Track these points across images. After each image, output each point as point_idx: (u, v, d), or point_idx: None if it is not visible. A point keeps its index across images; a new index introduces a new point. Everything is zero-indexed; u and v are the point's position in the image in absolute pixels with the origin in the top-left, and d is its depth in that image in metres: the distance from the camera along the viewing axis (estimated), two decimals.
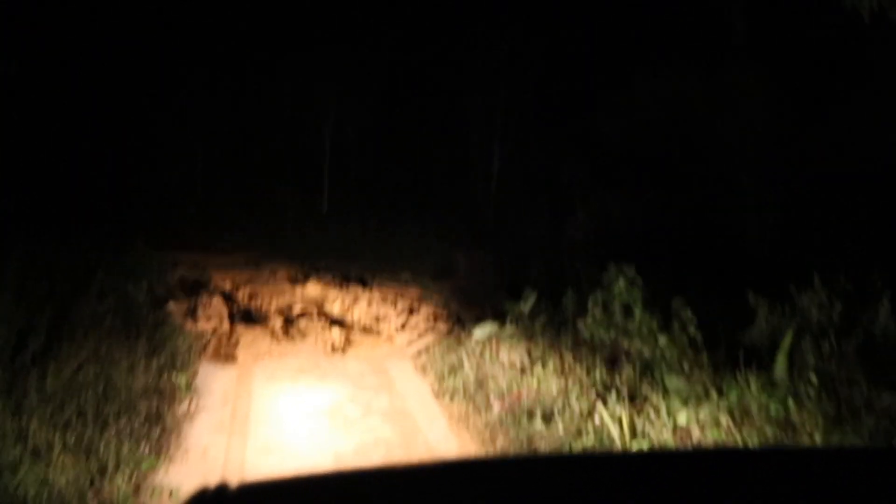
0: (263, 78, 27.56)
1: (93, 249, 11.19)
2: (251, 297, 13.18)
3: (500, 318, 9.71)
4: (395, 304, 12.55)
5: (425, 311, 12.03)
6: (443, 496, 1.38)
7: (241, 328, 10.25)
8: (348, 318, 11.87)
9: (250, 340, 9.89)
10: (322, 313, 11.91)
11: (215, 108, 27.18)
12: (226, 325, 10.23)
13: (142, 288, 9.90)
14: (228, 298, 12.91)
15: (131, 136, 24.87)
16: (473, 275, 15.61)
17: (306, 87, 26.63)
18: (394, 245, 19.42)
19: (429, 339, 10.26)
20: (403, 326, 11.00)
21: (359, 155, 27.57)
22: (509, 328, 9.31)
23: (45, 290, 8.04)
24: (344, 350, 9.83)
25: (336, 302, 12.78)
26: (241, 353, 9.52)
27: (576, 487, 1.39)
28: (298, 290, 14.19)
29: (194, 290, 13.46)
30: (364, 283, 14.05)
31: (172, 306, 10.94)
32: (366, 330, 10.83)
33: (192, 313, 10.75)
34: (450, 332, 10.51)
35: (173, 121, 25.95)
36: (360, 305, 12.17)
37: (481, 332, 9.22)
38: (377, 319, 11.29)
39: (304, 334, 10.12)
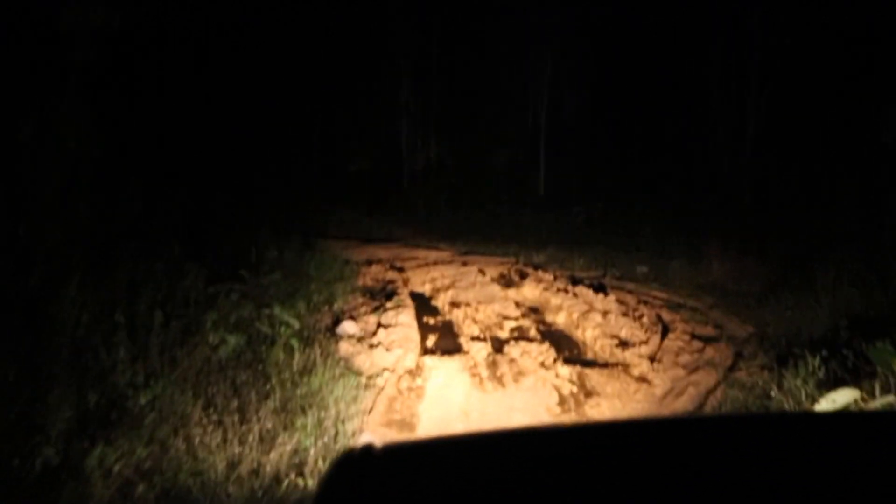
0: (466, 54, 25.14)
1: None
2: (452, 306, 10.44)
3: (848, 373, 5.72)
4: (638, 317, 9.33)
5: (682, 329, 8.73)
6: (592, 459, 1.32)
7: (430, 362, 7.37)
8: (578, 337, 8.78)
9: (439, 388, 6.82)
10: (542, 331, 8.92)
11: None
12: (410, 359, 7.41)
13: (295, 312, 7.33)
14: (422, 310, 10.24)
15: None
16: (733, 279, 12.07)
17: (516, 57, 23.87)
18: (624, 235, 16.06)
19: (704, 379, 6.86)
20: (656, 355, 7.72)
21: (576, 130, 24.27)
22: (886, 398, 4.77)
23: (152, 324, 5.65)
24: (578, 402, 6.63)
25: (561, 313, 9.74)
26: (426, 412, 6.31)
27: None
28: (512, 294, 11.32)
29: (381, 296, 10.95)
30: (598, 287, 10.92)
31: (347, 329, 8.36)
32: (606, 364, 7.59)
33: (369, 338, 8.12)
34: (732, 367, 7.14)
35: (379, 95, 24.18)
36: (592, 318, 9.05)
37: (833, 401, 4.73)
38: (619, 343, 8.06)
39: (519, 373, 7.04)
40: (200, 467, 4.23)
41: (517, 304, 10.41)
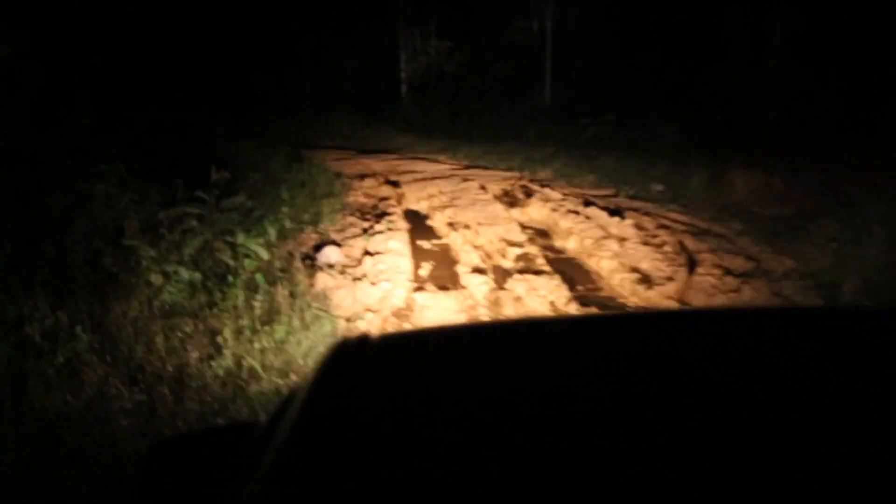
0: None
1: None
2: (450, 227, 9.40)
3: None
4: (659, 245, 8.28)
5: (710, 261, 7.66)
6: (580, 349, 1.32)
7: (422, 300, 6.31)
8: (592, 269, 7.74)
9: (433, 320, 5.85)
10: (551, 261, 7.88)
11: None
12: (399, 296, 6.37)
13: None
14: (417, 232, 9.21)
15: None
16: (759, 201, 10.98)
17: None
18: (637, 149, 14.88)
19: None
20: (685, 295, 6.67)
21: (583, 38, 22.73)
22: None
23: None
24: None
25: (572, 238, 8.70)
26: None
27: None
28: (516, 214, 10.26)
29: (372, 215, 9.92)
30: (613, 210, 9.84)
31: (329, 256, 7.33)
32: (627, 307, 6.55)
33: (354, 268, 7.09)
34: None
35: None
36: (607, 245, 8.00)
37: None
38: (641, 278, 7.00)
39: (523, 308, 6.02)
40: None
41: (522, 227, 9.37)
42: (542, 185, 12.18)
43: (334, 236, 8.63)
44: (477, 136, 19.45)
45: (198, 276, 5.25)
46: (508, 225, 9.26)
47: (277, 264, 6.02)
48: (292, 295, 5.38)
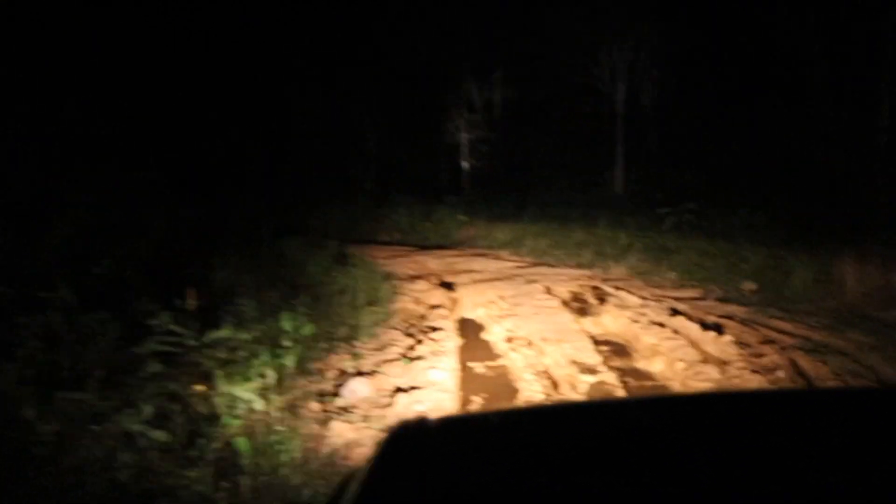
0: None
1: None
2: (509, 343, 7.93)
3: None
4: (770, 368, 6.62)
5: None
6: (636, 434, 1.33)
7: None
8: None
9: None
10: (634, 388, 6.31)
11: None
12: None
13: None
14: (469, 351, 7.75)
15: None
16: (875, 304, 9.29)
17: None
18: (723, 243, 13.24)
19: None
20: None
21: (659, 122, 21.39)
22: None
23: None
24: None
25: (658, 359, 7.11)
26: None
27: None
28: (588, 325, 8.73)
29: (420, 328, 8.50)
30: (706, 323, 8.21)
31: (356, 390, 5.93)
32: None
33: (381, 410, 5.66)
34: None
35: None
36: (706, 373, 6.39)
37: None
38: None
39: None
40: None
41: (596, 343, 7.81)
42: (617, 287, 10.63)
43: (367, 360, 7.21)
44: (544, 227, 18.06)
45: (162, 436, 3.87)
46: (579, 341, 7.71)
47: (277, 414, 4.61)
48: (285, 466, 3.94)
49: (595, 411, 1.64)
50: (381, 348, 7.75)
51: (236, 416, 4.28)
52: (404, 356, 7.03)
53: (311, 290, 9.99)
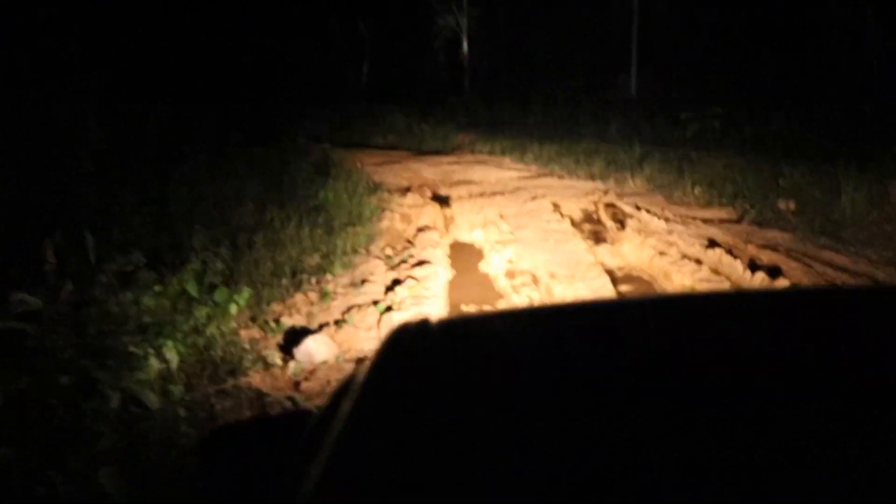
0: None
1: None
2: (510, 278, 6.60)
3: None
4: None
5: None
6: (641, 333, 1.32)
7: None
8: None
9: None
10: None
11: None
12: None
13: None
14: (461, 287, 6.42)
15: None
16: None
17: None
18: (754, 153, 11.75)
19: None
20: None
21: (677, 16, 19.47)
22: None
23: None
24: None
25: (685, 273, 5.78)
26: None
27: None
28: (605, 254, 7.38)
29: (405, 256, 7.14)
30: (751, 262, 6.81)
31: (311, 351, 4.63)
32: None
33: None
34: None
35: None
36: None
37: None
38: None
39: None
40: None
41: (616, 281, 6.47)
42: (637, 206, 9.19)
43: (336, 303, 5.88)
44: (551, 131, 16.50)
45: None
46: (596, 278, 6.33)
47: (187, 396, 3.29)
48: None
49: (606, 310, 1.62)
50: (355, 284, 6.41)
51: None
52: (378, 302, 5.66)
53: (283, 209, 8.63)
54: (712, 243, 7.13)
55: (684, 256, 6.69)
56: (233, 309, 5.30)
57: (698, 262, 6.52)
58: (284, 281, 6.40)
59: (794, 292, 2.70)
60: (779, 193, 9.71)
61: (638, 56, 19.22)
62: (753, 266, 6.37)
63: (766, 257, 6.96)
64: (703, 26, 18.26)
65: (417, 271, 6.44)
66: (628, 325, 1.37)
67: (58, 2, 11.13)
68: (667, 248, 7.03)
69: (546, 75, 21.09)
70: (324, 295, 6.11)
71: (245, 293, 5.45)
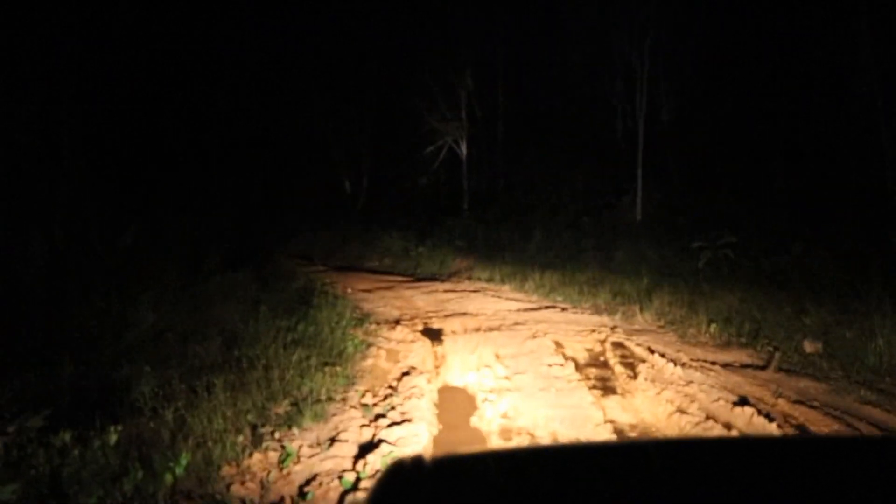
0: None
1: None
2: (507, 440, 5.64)
3: None
4: None
5: None
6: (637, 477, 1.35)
7: None
8: None
9: None
10: None
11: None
12: None
13: None
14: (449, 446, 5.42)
15: None
16: None
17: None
18: (771, 284, 10.93)
19: None
20: None
21: (683, 139, 19.08)
22: None
23: None
24: None
25: None
26: None
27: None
28: (614, 410, 6.42)
29: (387, 408, 6.16)
30: (793, 424, 5.87)
31: None
32: None
33: None
34: None
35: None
36: None
37: None
38: None
39: None
40: None
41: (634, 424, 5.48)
42: (649, 348, 8.29)
43: (298, 468, 4.91)
44: (552, 258, 15.75)
45: None
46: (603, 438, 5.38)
47: None
48: None
49: (599, 453, 1.65)
50: (323, 444, 5.45)
51: None
52: (343, 475, 4.69)
53: (254, 345, 7.74)
54: (743, 400, 6.18)
55: (709, 417, 5.73)
56: (167, 479, 4.36)
57: (727, 426, 5.56)
58: (241, 438, 5.47)
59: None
60: (804, 333, 8.83)
61: (643, 179, 18.71)
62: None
63: (800, 415, 6.02)
64: (709, 145, 17.78)
65: (396, 431, 5.48)
66: (626, 469, 1.37)
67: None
68: (687, 404, 6.09)
69: (547, 197, 20.56)
70: (285, 458, 5.15)
71: (184, 460, 4.50)
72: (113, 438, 4.27)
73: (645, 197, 18.22)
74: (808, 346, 8.50)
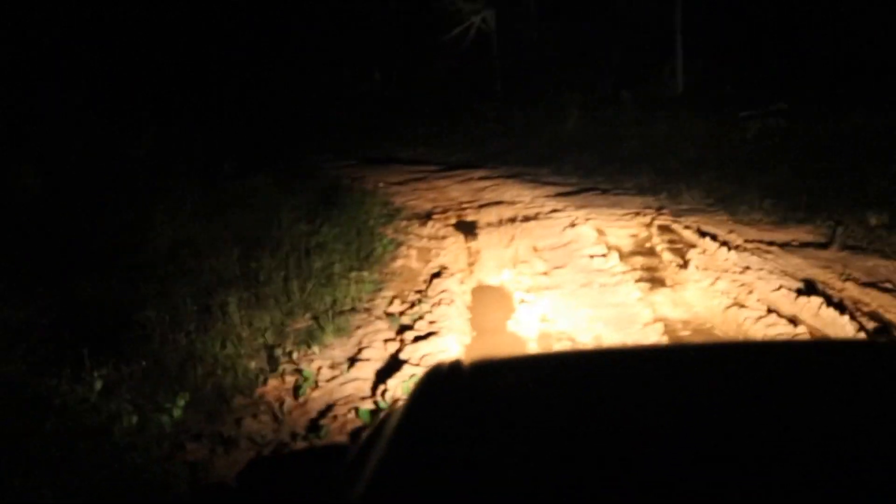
0: None
1: None
2: (543, 341, 5.17)
3: None
4: None
5: None
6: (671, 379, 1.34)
7: None
8: None
9: None
10: None
11: None
12: None
13: None
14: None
15: None
16: None
17: None
18: (829, 158, 10.12)
19: None
20: None
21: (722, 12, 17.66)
22: None
23: None
24: None
25: None
26: None
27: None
28: (663, 305, 5.87)
29: (414, 314, 5.67)
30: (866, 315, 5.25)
31: None
32: None
33: None
34: None
35: None
36: None
37: None
38: None
39: None
40: None
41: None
42: (698, 230, 7.66)
43: (318, 394, 4.49)
44: (591, 137, 14.93)
45: None
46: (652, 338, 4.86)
47: None
48: None
49: (641, 356, 1.63)
50: (344, 364, 5.01)
51: None
52: (359, 408, 4.24)
53: (275, 254, 7.26)
54: (808, 287, 5.57)
55: (770, 310, 5.15)
56: (165, 421, 3.96)
57: (792, 321, 4.97)
58: (255, 362, 5.05)
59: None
60: (867, 204, 8.09)
61: (683, 47, 17.52)
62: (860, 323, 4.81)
63: (872, 300, 5.41)
64: (753, 9, 16.49)
65: (422, 347, 5.01)
66: (657, 374, 1.35)
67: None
68: (745, 295, 5.51)
69: (583, 72, 19.49)
70: (302, 383, 4.71)
71: (181, 400, 4.09)
72: (98, 384, 3.83)
73: (688, 65, 17.05)
74: (873, 219, 7.79)
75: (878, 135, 10.20)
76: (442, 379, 1.34)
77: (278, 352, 5.21)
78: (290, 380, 4.80)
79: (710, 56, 16.84)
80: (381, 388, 4.43)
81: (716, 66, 16.46)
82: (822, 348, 1.76)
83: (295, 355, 5.19)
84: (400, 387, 4.35)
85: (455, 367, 1.37)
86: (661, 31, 18.14)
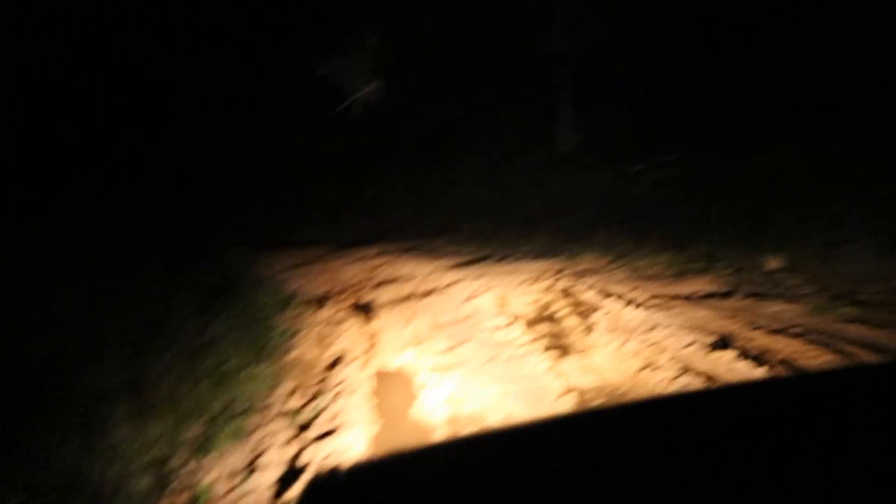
0: None
1: None
2: (451, 426, 4.81)
3: None
4: None
5: None
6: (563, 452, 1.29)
7: None
8: None
9: None
10: None
11: None
12: None
13: None
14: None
15: None
16: None
17: None
18: (723, 203, 10.21)
19: None
20: None
21: (623, 49, 17.91)
22: None
23: None
24: None
25: None
26: None
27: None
28: (572, 372, 5.60)
29: (311, 407, 5.25)
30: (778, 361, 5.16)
31: None
32: None
33: None
34: None
35: None
36: None
37: None
38: None
39: None
40: None
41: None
42: (601, 290, 7.50)
43: (218, 503, 4.01)
44: (485, 203, 14.85)
45: None
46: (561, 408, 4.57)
47: None
48: None
49: (555, 428, 1.54)
50: (240, 472, 4.53)
51: None
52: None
53: (164, 354, 6.70)
54: (719, 340, 5.39)
55: (685, 369, 4.93)
56: None
57: (709, 378, 4.76)
58: (146, 480, 4.51)
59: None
60: (765, 249, 8.12)
61: (573, 104, 17.71)
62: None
63: (784, 347, 5.27)
64: (642, 55, 16.78)
65: (324, 447, 4.57)
66: (590, 441, 1.29)
67: None
68: (656, 355, 5.29)
69: (478, 137, 19.49)
70: (197, 498, 4.21)
71: None
72: None
73: (580, 120, 17.24)
74: (772, 262, 7.82)
75: (777, 177, 10.37)
76: (326, 492, 1.26)
77: (171, 465, 4.68)
78: (184, 497, 4.29)
79: (601, 110, 17.05)
80: (284, 497, 3.98)
81: (608, 121, 16.66)
82: (723, 394, 1.75)
83: (189, 467, 4.68)
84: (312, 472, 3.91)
85: (333, 478, 1.28)
86: (549, 88, 18.32)
